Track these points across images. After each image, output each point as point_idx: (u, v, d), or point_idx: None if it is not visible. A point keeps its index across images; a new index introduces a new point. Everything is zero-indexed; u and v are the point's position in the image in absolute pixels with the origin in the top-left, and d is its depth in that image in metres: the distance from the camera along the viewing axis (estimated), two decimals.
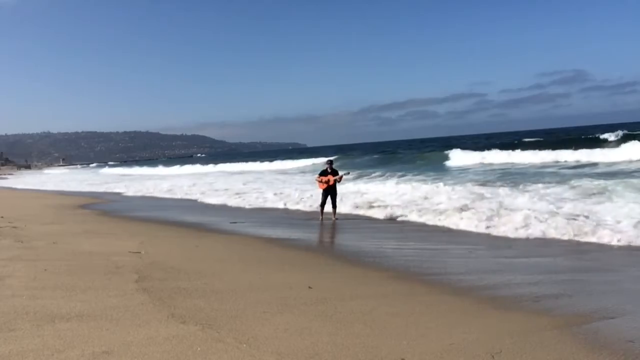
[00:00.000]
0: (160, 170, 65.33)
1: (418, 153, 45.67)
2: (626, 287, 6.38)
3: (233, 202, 19.60)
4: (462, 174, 25.42)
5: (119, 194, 28.81)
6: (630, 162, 23.89)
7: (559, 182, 16.78)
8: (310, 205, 16.31)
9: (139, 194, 27.67)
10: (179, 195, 24.86)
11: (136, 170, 73.09)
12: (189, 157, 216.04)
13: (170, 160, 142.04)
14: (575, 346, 4.26)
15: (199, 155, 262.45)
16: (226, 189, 25.03)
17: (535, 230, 10.07)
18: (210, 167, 60.89)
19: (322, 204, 14.24)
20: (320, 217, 14.03)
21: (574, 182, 15.97)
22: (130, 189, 30.66)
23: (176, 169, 63.65)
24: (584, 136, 40.00)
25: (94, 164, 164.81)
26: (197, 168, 62.65)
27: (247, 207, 18.02)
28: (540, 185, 16.33)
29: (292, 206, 17.19)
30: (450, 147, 42.09)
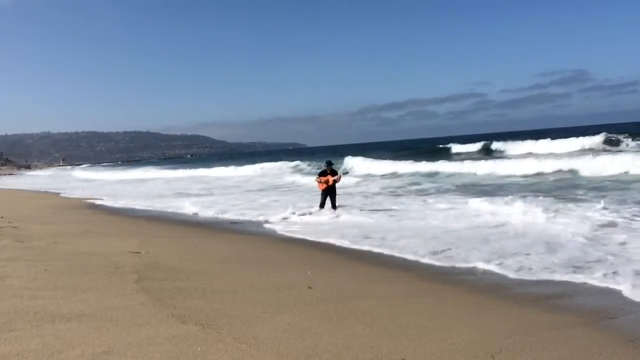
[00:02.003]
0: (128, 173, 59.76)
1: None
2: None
3: None
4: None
5: None
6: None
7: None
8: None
9: None
10: None
11: (101, 174, 65.23)
12: (179, 158, 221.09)
13: (160, 162, 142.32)
14: (575, 346, 4.27)
15: (189, 155, 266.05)
16: None
17: None
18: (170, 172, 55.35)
19: (322, 205, 14.26)
20: None
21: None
22: None
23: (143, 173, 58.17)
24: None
25: (85, 165, 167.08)
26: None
27: None
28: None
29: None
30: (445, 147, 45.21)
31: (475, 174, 24.64)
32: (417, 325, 4.77)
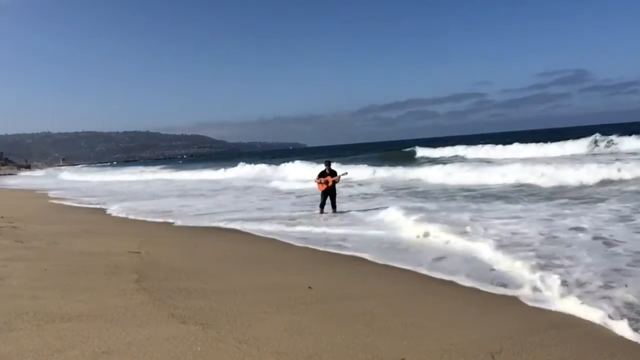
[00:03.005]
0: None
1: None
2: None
3: None
4: None
5: None
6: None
7: None
8: None
9: None
10: None
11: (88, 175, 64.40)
12: (172, 159, 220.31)
13: (154, 162, 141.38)
14: (575, 346, 4.26)
15: (184, 156, 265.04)
16: None
17: None
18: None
19: (322, 205, 14.25)
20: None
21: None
22: None
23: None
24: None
25: (80, 165, 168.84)
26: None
27: None
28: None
29: None
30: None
31: (419, 180, 23.20)
32: (417, 325, 4.77)
